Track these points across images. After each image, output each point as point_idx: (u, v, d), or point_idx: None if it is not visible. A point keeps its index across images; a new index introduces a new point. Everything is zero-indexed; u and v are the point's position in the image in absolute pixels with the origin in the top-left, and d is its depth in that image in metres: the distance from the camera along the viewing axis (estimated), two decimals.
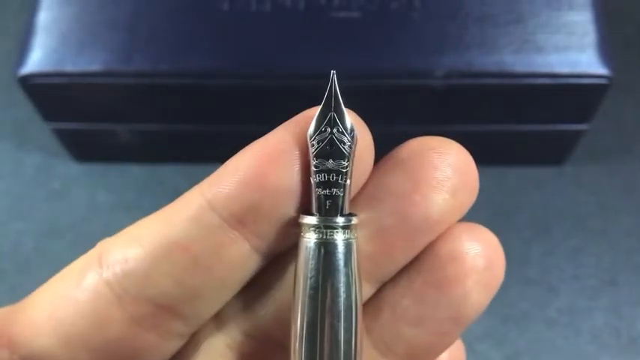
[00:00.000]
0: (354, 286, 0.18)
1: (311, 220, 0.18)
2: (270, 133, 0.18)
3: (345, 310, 0.18)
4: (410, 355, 0.20)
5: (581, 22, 0.40)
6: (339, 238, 0.18)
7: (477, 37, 0.40)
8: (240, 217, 0.18)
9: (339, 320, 0.18)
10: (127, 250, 0.18)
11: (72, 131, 0.46)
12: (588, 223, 0.46)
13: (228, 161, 0.18)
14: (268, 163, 0.18)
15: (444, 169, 0.18)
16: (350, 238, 0.18)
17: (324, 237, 0.18)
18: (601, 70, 0.39)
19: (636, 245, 0.45)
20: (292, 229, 0.19)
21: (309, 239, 0.18)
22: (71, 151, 0.48)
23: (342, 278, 0.18)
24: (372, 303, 0.20)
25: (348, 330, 0.18)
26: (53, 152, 0.48)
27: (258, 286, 0.20)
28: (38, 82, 0.40)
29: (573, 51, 0.39)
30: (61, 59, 0.40)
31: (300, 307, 0.18)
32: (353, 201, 0.19)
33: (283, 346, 0.20)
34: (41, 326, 0.19)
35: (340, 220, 0.18)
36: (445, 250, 0.19)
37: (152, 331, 0.19)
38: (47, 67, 0.40)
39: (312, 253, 0.18)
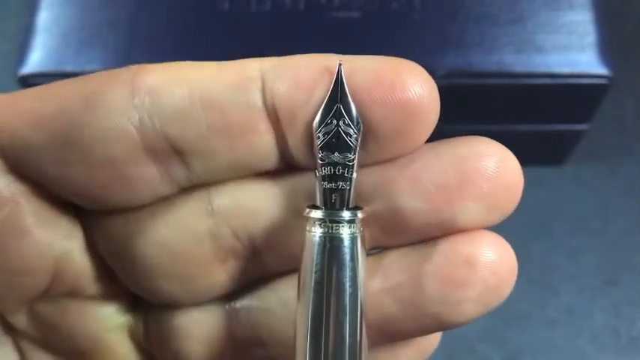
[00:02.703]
0: (360, 281, 0.18)
1: (316, 214, 0.18)
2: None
3: (350, 305, 0.18)
4: (379, 326, 0.19)
5: (581, 22, 0.40)
6: (345, 232, 0.18)
7: (477, 37, 0.40)
8: (279, 112, 0.18)
9: (344, 314, 0.18)
10: (166, 84, 0.17)
11: None
12: (588, 223, 0.46)
13: (296, 56, 0.18)
14: (322, 75, 0.18)
15: (493, 183, 0.18)
16: (355, 232, 0.18)
17: (330, 231, 0.18)
18: (601, 70, 0.39)
19: (636, 245, 0.45)
20: (310, 148, 0.18)
21: (315, 233, 0.18)
22: None
23: (347, 272, 0.18)
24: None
25: (353, 324, 0.18)
26: None
27: (260, 193, 0.20)
28: (38, 82, 0.40)
29: (573, 51, 0.39)
30: (61, 59, 0.40)
31: (305, 302, 0.18)
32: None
33: (261, 257, 0.20)
34: (39, 117, 0.18)
35: (346, 214, 0.18)
36: (466, 251, 0.18)
37: (155, 164, 0.18)
38: (47, 67, 0.40)
39: (317, 247, 0.18)
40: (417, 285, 0.19)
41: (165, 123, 0.17)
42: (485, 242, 0.18)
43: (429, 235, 0.19)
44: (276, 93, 0.18)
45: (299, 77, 0.18)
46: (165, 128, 0.17)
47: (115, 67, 0.42)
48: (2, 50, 0.52)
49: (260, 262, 0.20)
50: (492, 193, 0.18)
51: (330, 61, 0.18)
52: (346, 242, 0.18)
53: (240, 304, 0.21)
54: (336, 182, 0.18)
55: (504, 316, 0.43)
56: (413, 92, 0.17)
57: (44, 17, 0.41)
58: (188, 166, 0.18)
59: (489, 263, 0.18)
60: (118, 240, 0.20)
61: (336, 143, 0.18)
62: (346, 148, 0.18)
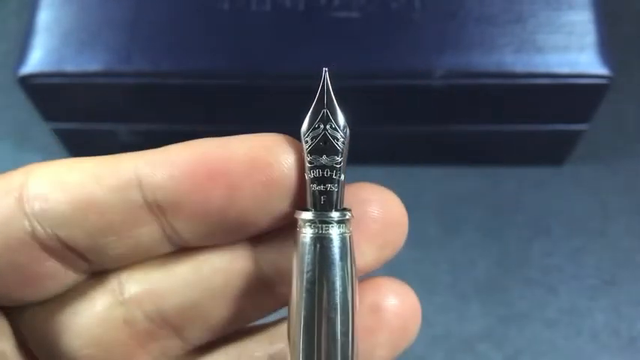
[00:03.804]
0: (350, 280, 0.18)
1: (306, 215, 0.18)
2: (226, 139, 0.19)
3: (341, 303, 0.18)
4: None
5: (581, 22, 0.40)
6: (334, 232, 0.18)
7: (476, 37, 0.40)
8: (161, 206, 0.18)
9: (335, 313, 0.18)
10: (50, 190, 0.18)
11: (72, 131, 0.46)
12: (588, 223, 0.46)
13: (171, 147, 0.19)
14: (207, 168, 0.18)
15: (381, 224, 0.20)
16: (345, 233, 0.18)
17: (320, 232, 0.18)
18: (601, 70, 0.39)
19: (636, 245, 0.45)
20: (215, 229, 0.19)
21: (305, 234, 0.18)
22: (71, 151, 0.48)
23: (338, 272, 0.18)
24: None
25: (344, 322, 0.18)
26: (53, 152, 0.48)
27: (169, 272, 0.20)
28: (38, 82, 0.40)
29: (573, 51, 0.39)
30: (61, 59, 0.40)
31: (297, 301, 0.18)
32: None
33: (178, 332, 0.21)
34: None
35: (335, 215, 0.18)
36: (370, 300, 0.20)
37: (56, 261, 0.19)
38: (47, 67, 0.40)
39: (308, 247, 0.18)
40: None
41: (55, 227, 0.18)
42: (387, 289, 0.20)
43: None
44: (155, 187, 0.18)
45: (175, 169, 0.18)
46: (56, 232, 0.18)
47: (114, 67, 0.42)
48: (2, 50, 0.52)
49: (181, 340, 0.21)
50: (381, 233, 0.20)
51: (205, 147, 0.18)
52: (336, 242, 0.18)
53: None
54: (324, 184, 0.18)
55: (504, 316, 0.43)
56: (287, 167, 0.18)
57: (44, 17, 0.41)
58: (86, 259, 0.19)
59: (393, 307, 0.20)
60: (43, 334, 0.20)
61: (323, 147, 0.18)
62: (334, 151, 0.18)
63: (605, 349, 0.42)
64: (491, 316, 0.43)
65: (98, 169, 0.19)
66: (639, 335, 0.42)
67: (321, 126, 0.18)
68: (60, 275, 0.19)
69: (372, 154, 0.46)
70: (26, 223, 0.18)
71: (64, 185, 0.18)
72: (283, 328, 0.21)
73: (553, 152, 0.47)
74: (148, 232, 0.19)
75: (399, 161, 0.47)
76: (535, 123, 0.44)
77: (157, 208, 0.18)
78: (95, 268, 0.20)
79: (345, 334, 0.18)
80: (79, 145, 0.47)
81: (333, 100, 0.18)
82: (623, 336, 0.42)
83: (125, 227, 0.19)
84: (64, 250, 0.19)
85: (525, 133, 0.44)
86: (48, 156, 0.48)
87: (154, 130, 0.45)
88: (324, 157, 0.18)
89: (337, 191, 0.18)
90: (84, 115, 0.44)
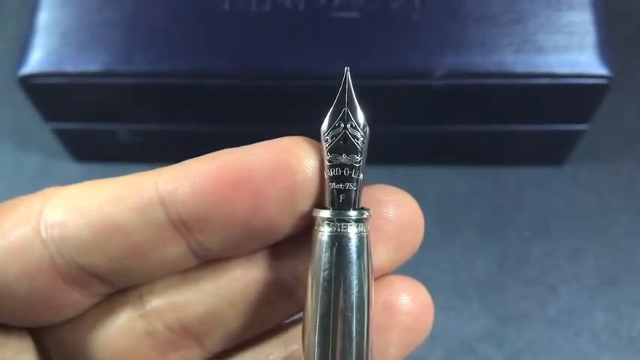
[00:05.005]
0: (367, 278, 0.18)
1: (325, 213, 0.18)
2: (247, 148, 0.18)
3: (357, 302, 0.18)
4: None
5: (581, 22, 0.40)
6: (352, 231, 0.18)
7: (477, 37, 0.40)
8: (186, 222, 0.18)
9: (351, 312, 0.18)
10: (69, 216, 0.18)
11: (72, 131, 0.46)
12: (588, 223, 0.46)
13: (191, 161, 0.18)
14: (229, 178, 0.18)
15: (396, 225, 0.20)
16: (362, 231, 0.18)
17: (338, 230, 0.18)
18: (601, 70, 0.39)
19: (636, 245, 0.45)
20: (242, 239, 0.19)
21: (323, 232, 0.18)
22: (71, 151, 0.48)
23: (354, 270, 0.18)
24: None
25: (360, 321, 0.18)
26: (53, 152, 0.48)
27: (188, 283, 0.20)
28: (38, 82, 0.40)
29: (573, 51, 0.39)
30: (61, 59, 0.40)
31: (313, 299, 0.18)
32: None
33: (199, 341, 0.21)
34: None
35: (353, 214, 0.18)
36: (383, 298, 0.20)
37: (77, 290, 0.19)
38: (47, 67, 0.40)
39: (325, 246, 0.18)
40: None
41: (75, 255, 0.18)
42: (399, 287, 0.20)
43: None
44: (178, 204, 0.18)
45: (196, 184, 0.18)
46: (76, 259, 0.18)
47: (114, 67, 0.42)
48: (2, 50, 0.52)
49: (202, 348, 0.21)
50: (397, 234, 0.20)
51: (226, 157, 0.18)
52: (353, 241, 0.18)
53: None
54: (343, 183, 0.18)
55: (504, 316, 0.43)
56: (310, 169, 0.18)
57: (44, 17, 0.41)
58: (108, 283, 0.19)
59: (405, 306, 0.20)
60: (66, 348, 0.20)
61: (343, 145, 0.18)
62: (353, 150, 0.18)
63: (605, 349, 0.42)
64: (491, 316, 0.43)
65: (117, 191, 0.18)
66: (639, 335, 0.42)
67: (342, 125, 0.18)
68: (79, 302, 0.19)
69: (373, 153, 0.46)
70: (44, 251, 0.18)
71: (83, 210, 0.18)
72: (297, 330, 0.21)
73: (553, 152, 0.47)
74: (173, 250, 0.19)
75: (399, 161, 0.47)
76: (535, 123, 0.44)
77: (181, 224, 0.18)
78: (116, 289, 0.20)
79: (360, 332, 0.18)
80: (79, 145, 0.47)
81: (354, 100, 0.18)
82: (623, 336, 0.42)
83: (150, 248, 0.18)
84: (84, 277, 0.19)
85: (525, 133, 0.44)
86: (48, 156, 0.48)
87: (154, 130, 0.45)
88: (344, 155, 0.18)
89: (356, 190, 0.18)
90: (84, 115, 0.44)
